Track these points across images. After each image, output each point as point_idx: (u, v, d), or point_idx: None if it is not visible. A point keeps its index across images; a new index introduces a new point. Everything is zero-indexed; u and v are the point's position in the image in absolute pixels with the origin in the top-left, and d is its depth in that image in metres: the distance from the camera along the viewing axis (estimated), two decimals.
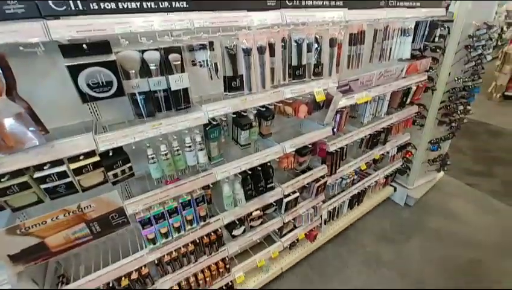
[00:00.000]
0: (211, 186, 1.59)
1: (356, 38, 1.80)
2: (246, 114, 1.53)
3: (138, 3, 1.01)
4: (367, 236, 2.90)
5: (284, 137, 1.85)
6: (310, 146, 1.93)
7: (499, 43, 10.16)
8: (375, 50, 2.03)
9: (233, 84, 1.37)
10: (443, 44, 2.54)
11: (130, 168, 1.24)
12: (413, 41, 2.45)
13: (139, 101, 1.18)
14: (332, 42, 1.64)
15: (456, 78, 2.68)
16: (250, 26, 1.29)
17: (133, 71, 1.13)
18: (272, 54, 1.44)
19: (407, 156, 3.22)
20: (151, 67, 1.14)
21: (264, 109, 1.57)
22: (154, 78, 1.17)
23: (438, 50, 2.58)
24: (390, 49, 2.12)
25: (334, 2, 1.56)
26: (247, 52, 1.32)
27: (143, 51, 1.12)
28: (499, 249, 2.64)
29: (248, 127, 1.50)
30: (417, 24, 2.37)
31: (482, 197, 3.37)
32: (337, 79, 1.81)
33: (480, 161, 4.14)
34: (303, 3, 1.42)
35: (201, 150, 1.40)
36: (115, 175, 1.19)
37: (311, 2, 1.45)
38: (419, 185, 3.37)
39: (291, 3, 1.38)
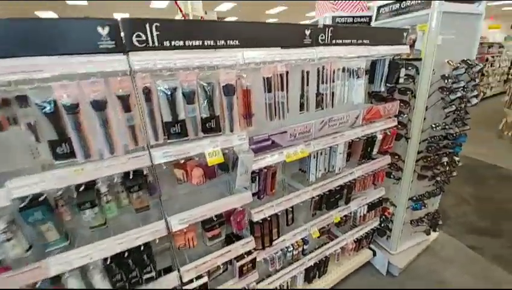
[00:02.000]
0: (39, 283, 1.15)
1: (272, 83, 1.41)
2: (95, 186, 1.13)
3: None
4: None
5: (191, 205, 1.42)
6: (215, 219, 1.47)
7: (509, 76, 9.59)
8: (309, 96, 1.63)
9: (58, 150, 1.00)
10: (412, 85, 2.11)
11: None
12: (372, 83, 2.06)
13: None
14: (228, 90, 1.26)
15: (433, 125, 2.19)
16: (71, 76, 0.94)
17: None
18: (128, 109, 1.08)
19: (386, 214, 2.65)
20: None
21: (123, 179, 1.16)
22: None
23: (407, 92, 2.15)
24: (333, 93, 1.71)
25: (224, 42, 1.20)
26: (71, 109, 0.96)
27: None
28: None
29: (89, 205, 1.09)
30: (374, 64, 1.99)
31: (485, 265, 2.66)
32: (246, 134, 1.40)
33: (488, 215, 3.43)
34: (167, 44, 1.07)
35: (8, 239, 1.00)
36: None
37: (181, 42, 1.10)
38: (404, 249, 2.73)
39: (143, 45, 1.03)
